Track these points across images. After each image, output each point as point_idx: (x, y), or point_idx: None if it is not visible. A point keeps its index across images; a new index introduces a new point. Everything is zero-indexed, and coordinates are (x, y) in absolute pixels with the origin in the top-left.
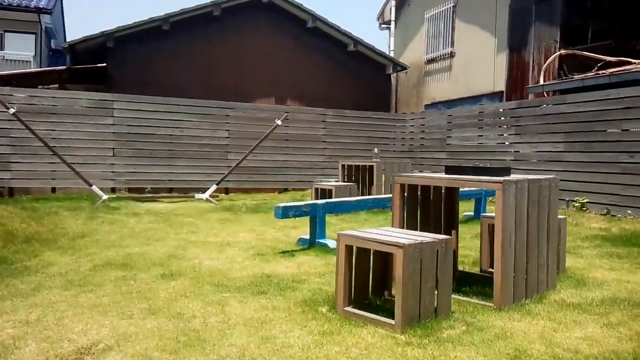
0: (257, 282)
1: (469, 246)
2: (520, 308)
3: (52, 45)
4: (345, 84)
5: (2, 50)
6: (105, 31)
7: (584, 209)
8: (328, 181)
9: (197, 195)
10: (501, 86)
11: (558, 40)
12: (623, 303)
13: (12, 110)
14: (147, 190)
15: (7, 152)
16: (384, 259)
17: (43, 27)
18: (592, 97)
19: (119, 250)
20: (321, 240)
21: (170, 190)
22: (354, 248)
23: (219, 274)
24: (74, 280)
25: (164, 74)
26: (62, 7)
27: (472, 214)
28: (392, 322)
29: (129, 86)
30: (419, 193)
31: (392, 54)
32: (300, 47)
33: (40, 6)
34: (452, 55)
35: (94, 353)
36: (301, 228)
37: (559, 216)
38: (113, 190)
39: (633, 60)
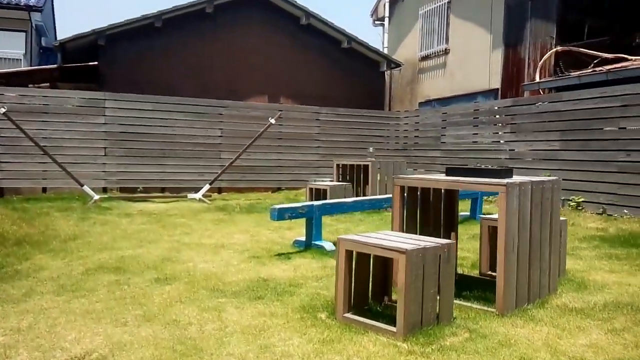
0: (254, 287)
1: (466, 248)
2: (523, 314)
3: (43, 43)
4: (339, 82)
5: None
6: (96, 29)
7: (580, 208)
8: (323, 181)
9: (190, 195)
10: (496, 83)
11: (554, 36)
12: (626, 307)
13: (2, 110)
14: (139, 190)
15: None
16: (384, 264)
17: (33, 25)
18: (588, 94)
19: (112, 252)
20: (317, 243)
21: (163, 190)
22: (354, 253)
23: (214, 278)
24: (66, 285)
25: (156, 72)
26: (52, 5)
27: (468, 213)
28: (394, 329)
29: (120, 85)
30: (418, 195)
31: (386, 51)
32: (294, 44)
33: (31, 4)
34: (446, 52)
35: None
36: (296, 229)
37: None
38: (105, 190)
39: (630, 57)
